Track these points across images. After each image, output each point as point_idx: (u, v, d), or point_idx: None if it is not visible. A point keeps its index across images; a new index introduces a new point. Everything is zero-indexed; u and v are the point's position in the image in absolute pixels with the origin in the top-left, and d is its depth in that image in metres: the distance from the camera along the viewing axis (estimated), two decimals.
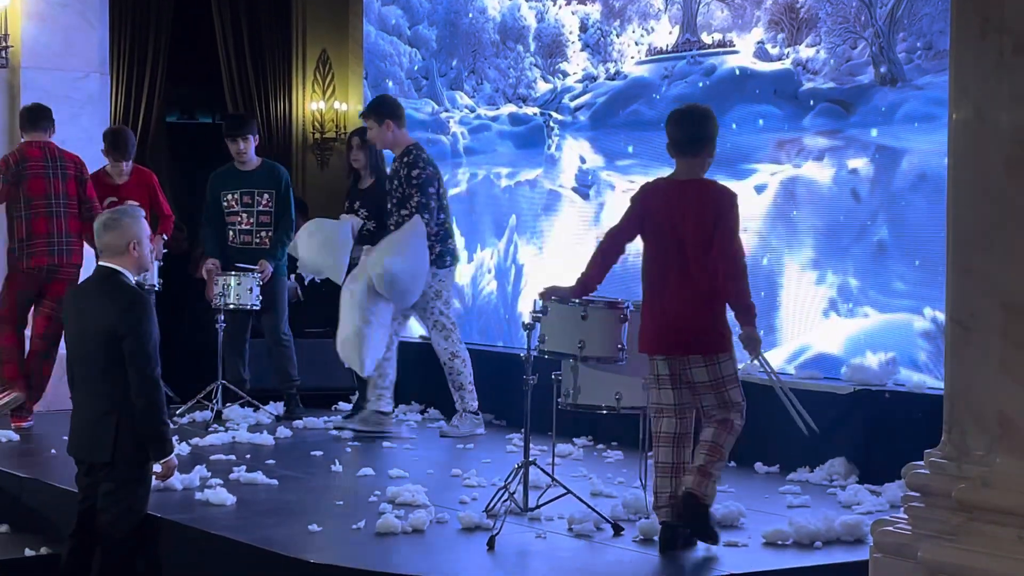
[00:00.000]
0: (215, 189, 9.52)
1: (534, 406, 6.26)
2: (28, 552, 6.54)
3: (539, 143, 10.01)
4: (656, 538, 5.81)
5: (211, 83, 13.13)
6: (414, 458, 7.98)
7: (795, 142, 8.23)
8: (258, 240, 9.45)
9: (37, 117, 9.04)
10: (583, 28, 9.70)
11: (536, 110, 10.03)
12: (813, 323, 8.00)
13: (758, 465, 7.59)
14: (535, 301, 6.23)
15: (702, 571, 5.53)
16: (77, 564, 5.97)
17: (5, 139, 9.88)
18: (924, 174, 7.59)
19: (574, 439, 8.39)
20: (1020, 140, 4.24)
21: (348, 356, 8.39)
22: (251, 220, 9.43)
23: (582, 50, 9.70)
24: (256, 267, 9.21)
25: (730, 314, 5.82)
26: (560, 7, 9.85)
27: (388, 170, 8.89)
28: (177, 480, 6.78)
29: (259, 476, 7.07)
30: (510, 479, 6.22)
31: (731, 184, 8.23)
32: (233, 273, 9.18)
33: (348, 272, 8.66)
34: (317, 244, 8.76)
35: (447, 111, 10.74)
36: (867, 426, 7.34)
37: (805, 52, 8.19)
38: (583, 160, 9.68)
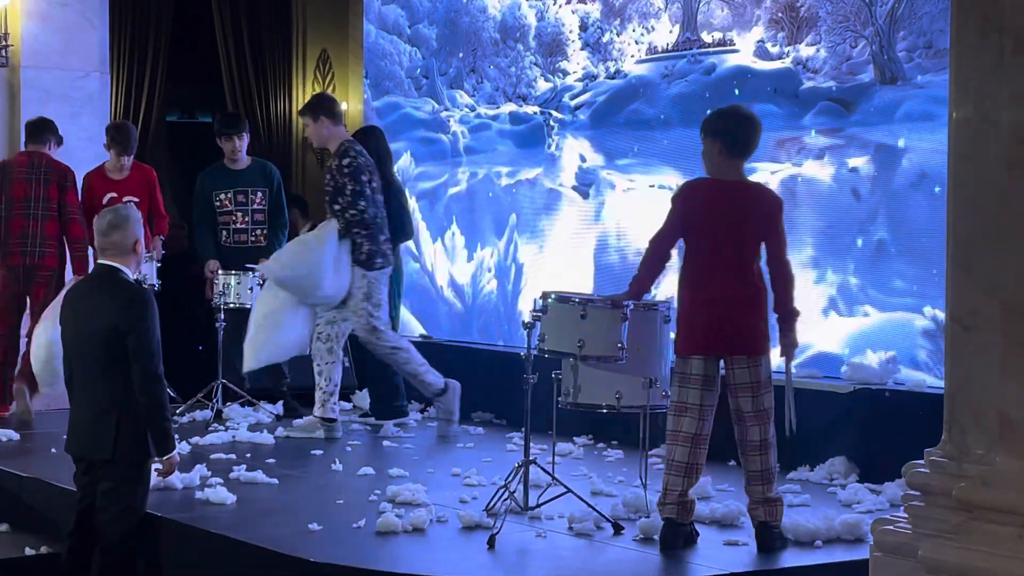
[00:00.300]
0: (206, 188, 9.51)
1: (534, 405, 6.26)
2: (28, 551, 6.54)
3: (539, 142, 10.01)
4: (657, 536, 5.81)
5: (211, 83, 13.12)
6: (414, 457, 7.98)
7: (795, 141, 8.23)
8: (253, 239, 9.46)
9: (39, 130, 9.27)
10: (583, 27, 9.70)
11: (536, 109, 10.03)
12: (813, 322, 8.00)
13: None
14: (535, 300, 6.23)
15: (702, 570, 5.53)
16: (76, 563, 5.97)
17: (5, 138, 9.88)
18: (924, 173, 7.60)
19: (574, 438, 8.39)
20: (1020, 139, 4.24)
21: (245, 354, 8.39)
22: (246, 219, 9.44)
23: (582, 49, 9.70)
24: (258, 267, 9.23)
25: None
26: (560, 6, 9.85)
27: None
28: (177, 479, 6.78)
29: (259, 475, 7.07)
30: (510, 478, 6.22)
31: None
32: (233, 272, 9.20)
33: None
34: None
35: (447, 110, 10.74)
36: (867, 425, 7.34)
37: (805, 51, 8.20)
38: (583, 159, 9.68)
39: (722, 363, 5.86)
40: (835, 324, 7.93)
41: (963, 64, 4.44)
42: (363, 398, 9.63)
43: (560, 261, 9.77)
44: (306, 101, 9.32)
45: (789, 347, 5.85)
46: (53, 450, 7.76)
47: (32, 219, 9.06)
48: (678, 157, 8.96)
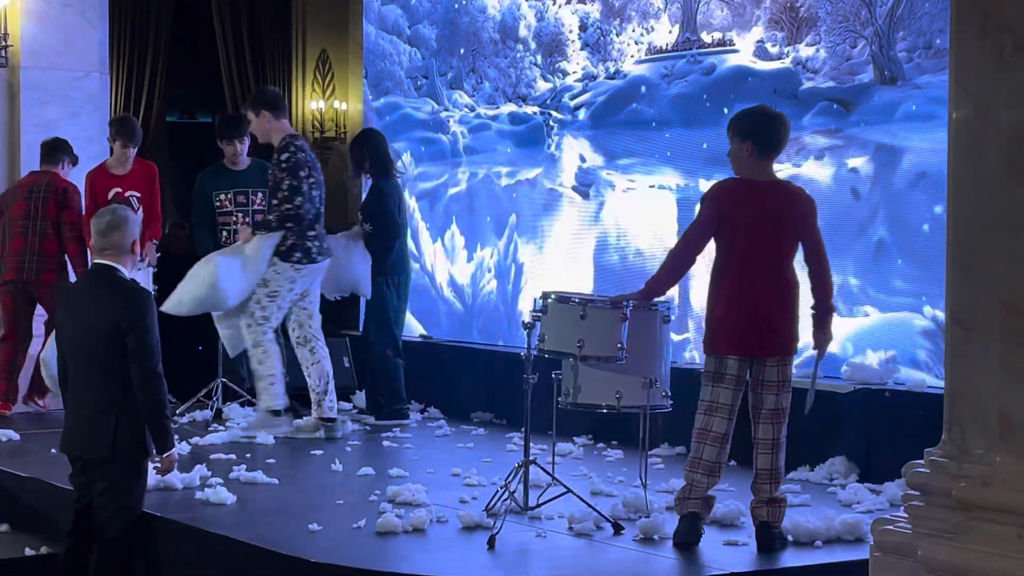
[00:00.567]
0: (206, 189, 9.51)
1: (534, 405, 6.26)
2: (28, 551, 6.54)
3: (539, 142, 10.01)
4: (657, 536, 5.83)
5: (211, 83, 13.14)
6: (414, 457, 7.98)
7: (795, 141, 8.22)
8: None
9: (52, 151, 9.40)
10: (583, 27, 9.70)
11: (536, 109, 10.03)
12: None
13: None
14: (535, 300, 6.23)
15: (702, 571, 5.53)
16: (75, 563, 5.98)
17: (4, 138, 9.88)
18: (924, 173, 7.60)
19: (574, 438, 8.39)
20: (1020, 139, 4.24)
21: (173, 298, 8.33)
22: (246, 220, 9.43)
23: (582, 49, 9.70)
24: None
25: None
26: (560, 6, 9.85)
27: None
28: (177, 479, 6.79)
29: (259, 475, 7.07)
30: (510, 478, 6.22)
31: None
32: None
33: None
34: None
35: (447, 110, 10.74)
36: (867, 425, 7.34)
37: (805, 51, 8.20)
38: (583, 159, 9.68)
39: None
40: (835, 324, 7.90)
41: (963, 64, 4.44)
42: (363, 399, 9.64)
43: (560, 261, 9.77)
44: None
45: (824, 342, 5.93)
46: (53, 450, 7.75)
47: (30, 237, 9.22)
48: (678, 157, 8.96)
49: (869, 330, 7.75)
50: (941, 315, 6.63)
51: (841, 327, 7.90)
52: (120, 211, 6.05)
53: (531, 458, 6.26)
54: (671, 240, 8.92)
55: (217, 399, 9.17)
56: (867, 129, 7.90)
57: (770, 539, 5.79)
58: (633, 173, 9.27)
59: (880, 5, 7.80)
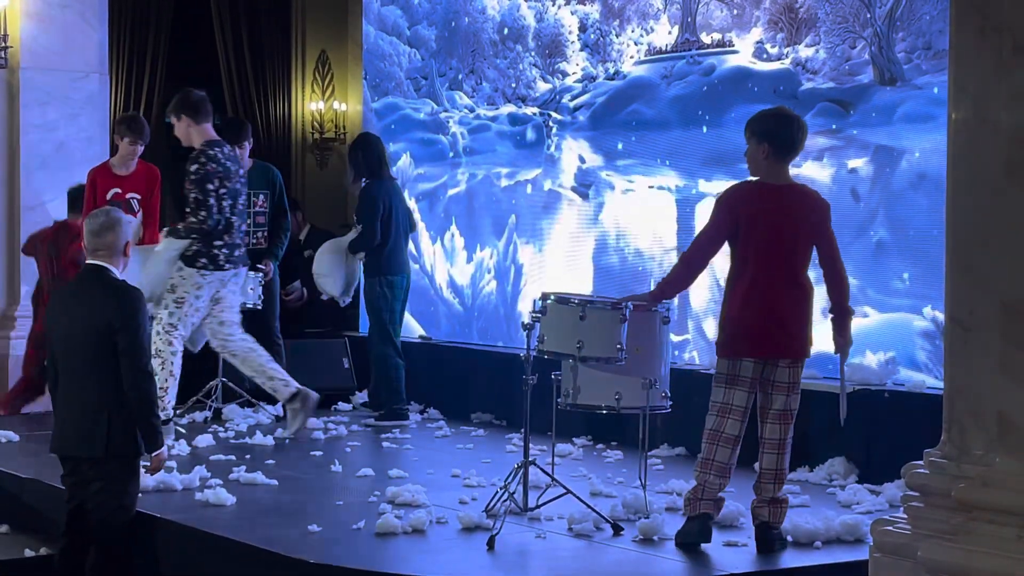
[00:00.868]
0: None
1: (534, 406, 6.26)
2: (28, 552, 6.54)
3: (538, 143, 10.01)
4: (657, 537, 5.84)
5: (210, 83, 13.11)
6: (414, 458, 7.98)
7: None
8: (254, 241, 9.46)
9: (75, 200, 9.41)
10: (582, 28, 9.70)
11: (535, 110, 10.03)
12: (813, 322, 8.00)
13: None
14: (534, 301, 6.23)
15: (701, 571, 5.53)
16: (70, 565, 5.98)
17: (4, 139, 9.88)
18: (923, 174, 7.60)
19: (574, 439, 8.39)
20: (1020, 140, 4.24)
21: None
22: (248, 222, 9.44)
23: (581, 50, 9.70)
24: (261, 267, 9.28)
25: None
26: (559, 7, 9.85)
27: None
28: (177, 480, 6.79)
29: (259, 476, 7.07)
30: (510, 479, 6.22)
31: (731, 183, 8.25)
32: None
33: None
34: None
35: (446, 111, 10.74)
36: (867, 426, 7.34)
37: (804, 52, 8.20)
38: (582, 160, 9.68)
39: None
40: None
41: (962, 65, 4.44)
42: (363, 400, 9.64)
43: (559, 262, 9.77)
44: None
45: (845, 346, 5.93)
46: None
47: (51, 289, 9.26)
48: (677, 158, 8.96)
49: (869, 331, 7.75)
50: (940, 316, 6.64)
51: None
52: (114, 213, 6.11)
53: (531, 459, 6.26)
54: (670, 241, 8.94)
55: (217, 398, 9.18)
56: (867, 130, 7.90)
57: (770, 540, 5.79)
58: (632, 174, 9.27)
59: (879, 6, 7.80)
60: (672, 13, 9.03)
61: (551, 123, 9.91)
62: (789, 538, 5.87)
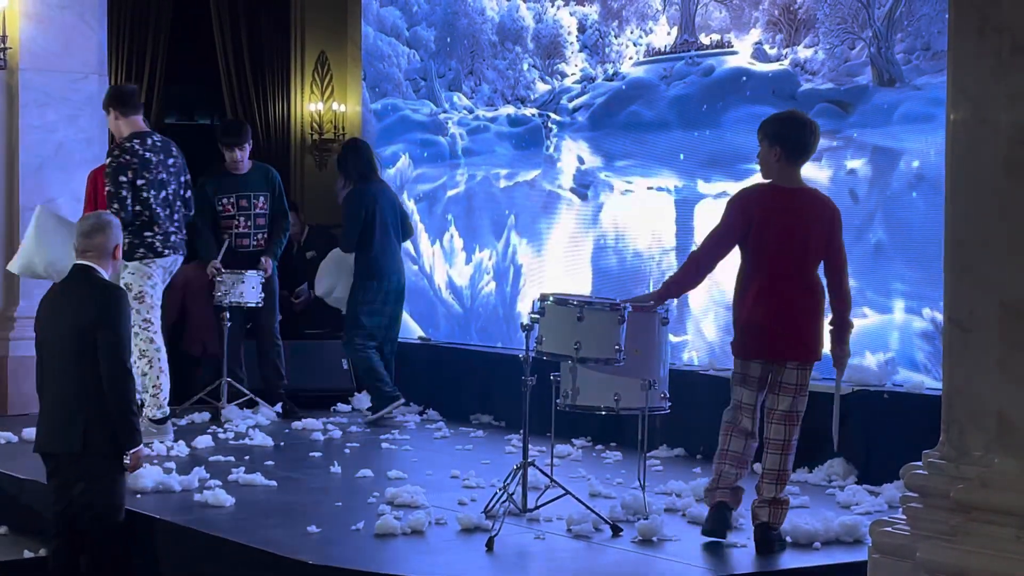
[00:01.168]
0: (209, 193, 9.51)
1: (533, 407, 6.26)
2: (27, 554, 6.54)
3: (537, 144, 10.01)
4: (655, 539, 5.84)
5: (210, 84, 13.13)
6: (413, 459, 7.98)
7: None
8: (255, 242, 9.50)
9: None
10: (581, 29, 9.70)
11: (534, 111, 10.03)
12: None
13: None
14: (533, 302, 6.23)
15: (701, 572, 5.53)
16: (64, 566, 5.99)
17: (4, 140, 9.87)
18: (922, 174, 7.59)
19: (573, 440, 8.38)
20: (1019, 140, 4.24)
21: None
22: (248, 223, 9.46)
23: (580, 51, 9.70)
24: (261, 267, 9.31)
25: None
26: (558, 8, 9.85)
27: None
28: (176, 481, 6.80)
29: (258, 477, 7.07)
30: (509, 480, 6.22)
31: (730, 184, 8.27)
32: (237, 271, 9.25)
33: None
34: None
35: (445, 112, 10.74)
36: (866, 426, 7.34)
37: (803, 53, 8.19)
38: (581, 161, 9.68)
39: None
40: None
41: (961, 65, 4.44)
42: (362, 400, 9.64)
43: (558, 263, 9.76)
44: None
45: (843, 358, 5.95)
46: None
47: None
48: (676, 159, 8.96)
49: (868, 331, 7.74)
50: (939, 316, 6.63)
51: None
52: (105, 216, 6.28)
53: (529, 460, 6.26)
54: (669, 242, 8.94)
55: (222, 401, 9.21)
56: (865, 131, 7.89)
57: (769, 541, 5.80)
58: (631, 175, 9.27)
59: (878, 7, 7.79)
60: (671, 14, 9.03)
61: (550, 124, 9.90)
62: (788, 539, 5.88)
